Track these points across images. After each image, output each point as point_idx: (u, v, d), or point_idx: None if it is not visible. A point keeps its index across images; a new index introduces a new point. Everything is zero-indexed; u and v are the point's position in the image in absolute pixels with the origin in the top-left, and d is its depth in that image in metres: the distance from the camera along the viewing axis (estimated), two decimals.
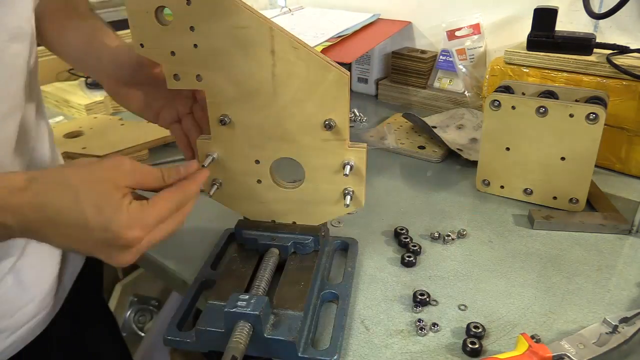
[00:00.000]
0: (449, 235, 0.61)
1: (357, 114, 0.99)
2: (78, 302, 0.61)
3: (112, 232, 0.37)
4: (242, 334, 0.41)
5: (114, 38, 0.54)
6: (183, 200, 0.42)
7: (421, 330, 0.47)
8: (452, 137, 0.86)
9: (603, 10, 0.76)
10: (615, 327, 0.45)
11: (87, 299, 0.66)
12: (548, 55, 0.77)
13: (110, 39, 0.54)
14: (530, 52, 0.79)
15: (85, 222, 0.37)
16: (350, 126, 0.93)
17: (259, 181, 0.50)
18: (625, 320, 0.45)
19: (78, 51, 0.56)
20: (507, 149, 0.67)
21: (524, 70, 0.79)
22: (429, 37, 1.08)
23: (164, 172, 0.42)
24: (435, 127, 0.87)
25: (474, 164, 0.73)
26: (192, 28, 0.42)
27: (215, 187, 0.50)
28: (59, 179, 0.38)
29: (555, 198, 0.66)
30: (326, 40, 0.92)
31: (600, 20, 0.84)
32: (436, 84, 1.05)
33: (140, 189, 0.41)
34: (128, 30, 0.45)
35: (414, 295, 0.51)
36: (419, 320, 0.48)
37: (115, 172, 0.39)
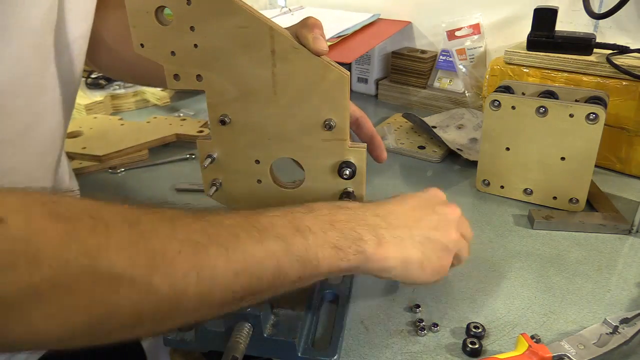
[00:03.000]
0: None
1: None
2: None
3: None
4: (242, 334, 0.41)
5: None
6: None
7: (421, 330, 0.47)
8: (452, 137, 0.86)
9: (603, 10, 0.76)
10: (615, 328, 0.45)
11: None
12: (548, 55, 0.77)
13: None
14: (530, 52, 0.79)
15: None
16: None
17: (259, 181, 0.50)
18: (625, 321, 0.45)
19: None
20: (507, 149, 0.67)
21: (524, 70, 0.79)
22: (429, 37, 1.08)
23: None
24: (435, 127, 0.87)
25: (474, 164, 0.73)
26: (192, 28, 0.42)
27: (215, 187, 0.50)
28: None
29: (555, 198, 0.66)
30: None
31: (600, 20, 0.84)
32: (436, 84, 1.05)
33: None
34: None
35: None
36: (419, 320, 0.48)
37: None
